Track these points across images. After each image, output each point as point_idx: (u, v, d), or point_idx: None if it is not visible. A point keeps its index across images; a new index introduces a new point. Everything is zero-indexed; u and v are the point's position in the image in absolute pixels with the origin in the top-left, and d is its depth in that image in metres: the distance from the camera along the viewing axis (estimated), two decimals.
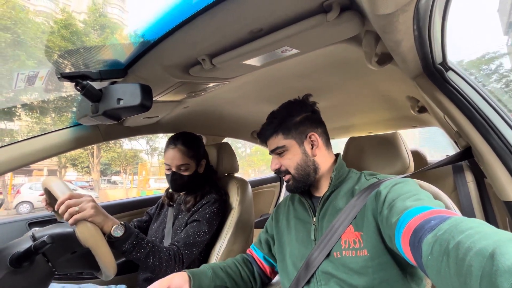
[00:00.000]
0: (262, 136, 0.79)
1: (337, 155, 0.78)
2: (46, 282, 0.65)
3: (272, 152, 0.76)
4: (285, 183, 0.78)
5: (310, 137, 0.73)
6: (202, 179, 1.13)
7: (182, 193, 1.14)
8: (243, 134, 1.72)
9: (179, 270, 0.87)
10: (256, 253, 0.86)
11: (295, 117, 0.74)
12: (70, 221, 0.70)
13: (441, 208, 0.46)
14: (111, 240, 0.77)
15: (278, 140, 0.74)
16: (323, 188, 0.74)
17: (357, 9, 0.49)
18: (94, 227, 0.70)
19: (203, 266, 0.77)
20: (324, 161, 0.74)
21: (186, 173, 1.07)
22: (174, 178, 1.06)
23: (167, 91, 0.83)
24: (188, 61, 0.67)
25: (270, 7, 0.47)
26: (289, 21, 0.51)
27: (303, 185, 0.73)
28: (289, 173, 0.73)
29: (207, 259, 1.05)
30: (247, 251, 0.89)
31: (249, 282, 0.81)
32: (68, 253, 0.70)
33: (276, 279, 0.91)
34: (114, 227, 0.77)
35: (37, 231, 0.69)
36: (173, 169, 1.05)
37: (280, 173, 0.76)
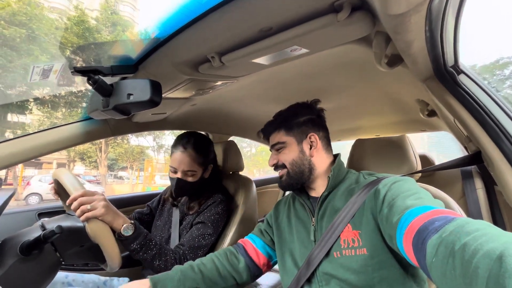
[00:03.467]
0: (265, 131, 0.82)
1: (335, 156, 0.78)
2: (53, 271, 0.67)
3: (272, 147, 0.78)
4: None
5: (310, 138, 0.75)
6: (206, 183, 1.10)
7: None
8: (249, 133, 1.72)
9: None
10: (253, 242, 0.83)
11: (299, 117, 0.77)
12: (82, 218, 0.72)
13: (442, 208, 0.46)
14: (120, 239, 0.79)
15: (280, 136, 0.76)
16: (320, 188, 0.74)
17: (368, 9, 0.48)
18: (104, 224, 0.72)
19: (174, 269, 0.73)
20: (321, 163, 0.75)
21: (190, 179, 1.02)
22: (179, 185, 1.02)
23: (176, 88, 0.84)
24: (198, 58, 0.68)
25: (280, 6, 0.47)
26: (299, 20, 0.51)
27: (295, 182, 0.73)
28: (285, 167, 0.75)
29: None
30: (239, 241, 0.85)
31: (230, 277, 0.76)
32: (77, 247, 0.71)
33: (277, 279, 0.91)
34: (124, 226, 0.79)
35: (46, 221, 0.71)
36: (179, 175, 1.01)
37: (277, 168, 0.77)
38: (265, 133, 0.82)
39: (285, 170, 0.75)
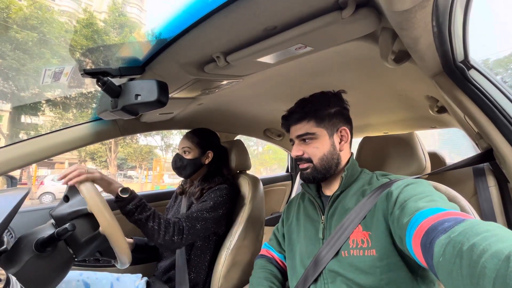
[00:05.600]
0: (290, 118, 0.75)
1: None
2: (67, 267, 0.69)
3: (298, 137, 0.73)
4: (299, 173, 0.77)
5: (340, 131, 0.73)
6: (204, 169, 1.15)
7: (190, 185, 1.17)
8: (256, 132, 1.73)
9: (178, 241, 0.89)
10: (272, 251, 0.88)
11: (330, 108, 0.73)
12: (80, 178, 0.73)
13: (455, 210, 0.45)
14: (117, 200, 0.83)
15: (309, 127, 0.71)
16: (334, 187, 0.74)
17: (373, 6, 0.48)
18: (114, 221, 0.73)
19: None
20: (344, 158, 0.74)
21: (186, 157, 1.12)
22: (175, 159, 1.15)
23: (182, 88, 0.85)
24: (203, 58, 0.69)
25: (285, 4, 0.47)
26: (303, 18, 0.51)
27: (322, 177, 0.71)
28: (311, 161, 0.71)
29: (217, 254, 1.07)
30: (266, 253, 0.89)
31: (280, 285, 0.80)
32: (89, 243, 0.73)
33: None
34: (121, 188, 0.85)
35: (54, 210, 0.73)
36: (178, 152, 1.16)
37: (300, 160, 0.73)
38: (289, 121, 0.75)
39: (310, 164, 0.71)
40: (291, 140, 0.77)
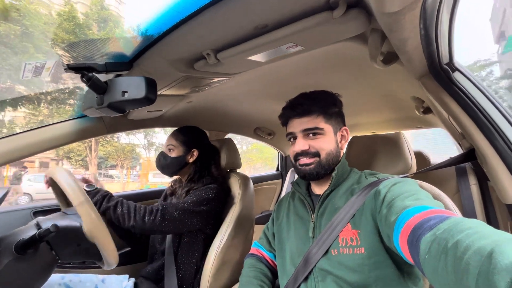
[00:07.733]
0: (296, 110, 0.72)
1: None
2: (49, 270, 0.66)
3: (305, 131, 0.70)
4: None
5: (342, 131, 0.76)
6: (194, 170, 1.12)
7: (179, 185, 1.16)
8: (246, 130, 1.72)
9: (150, 222, 0.90)
10: (262, 250, 0.88)
11: (337, 107, 0.75)
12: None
13: (440, 208, 0.47)
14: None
15: (319, 122, 0.70)
16: (324, 186, 0.75)
17: (364, 7, 0.48)
18: (100, 222, 0.71)
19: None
20: (340, 157, 0.75)
21: (170, 154, 1.11)
22: (159, 157, 1.14)
23: (171, 85, 0.83)
24: (193, 55, 0.67)
25: (276, 3, 0.47)
26: (294, 17, 0.51)
27: (324, 173, 0.70)
28: (318, 156, 0.70)
29: (206, 253, 1.06)
30: (256, 252, 0.89)
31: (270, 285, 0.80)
32: (73, 246, 0.71)
33: None
34: (86, 185, 0.91)
35: (42, 219, 0.70)
36: (163, 150, 1.14)
37: (305, 155, 0.70)
38: (294, 113, 0.72)
39: (316, 159, 0.69)
40: (290, 133, 0.73)
